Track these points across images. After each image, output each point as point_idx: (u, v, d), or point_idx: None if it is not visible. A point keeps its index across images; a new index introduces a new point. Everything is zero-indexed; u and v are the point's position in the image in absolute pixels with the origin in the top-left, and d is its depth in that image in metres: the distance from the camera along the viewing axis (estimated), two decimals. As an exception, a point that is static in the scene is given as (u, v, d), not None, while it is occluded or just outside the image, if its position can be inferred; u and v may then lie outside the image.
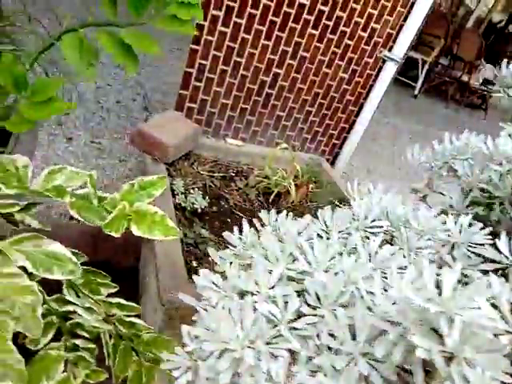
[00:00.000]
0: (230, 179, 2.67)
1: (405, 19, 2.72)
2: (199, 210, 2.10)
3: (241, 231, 0.96)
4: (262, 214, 0.96)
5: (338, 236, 0.86)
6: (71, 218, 2.35)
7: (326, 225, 0.92)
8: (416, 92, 7.12)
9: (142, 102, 4.60)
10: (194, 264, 1.83)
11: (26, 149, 1.54)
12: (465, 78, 7.35)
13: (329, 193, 2.70)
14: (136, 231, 0.87)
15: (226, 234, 0.96)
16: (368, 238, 0.85)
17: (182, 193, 2.12)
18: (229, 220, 2.32)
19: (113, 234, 0.84)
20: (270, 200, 2.59)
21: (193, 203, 2.06)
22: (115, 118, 4.18)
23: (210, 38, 2.35)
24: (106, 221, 0.89)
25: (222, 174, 2.65)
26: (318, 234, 0.85)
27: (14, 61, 1.12)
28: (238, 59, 2.49)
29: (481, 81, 7.36)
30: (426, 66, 7.03)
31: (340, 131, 3.13)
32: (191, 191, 2.20)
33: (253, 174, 2.72)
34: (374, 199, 0.94)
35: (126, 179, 3.70)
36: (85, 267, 1.12)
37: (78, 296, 1.05)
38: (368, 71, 2.87)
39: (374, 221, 0.88)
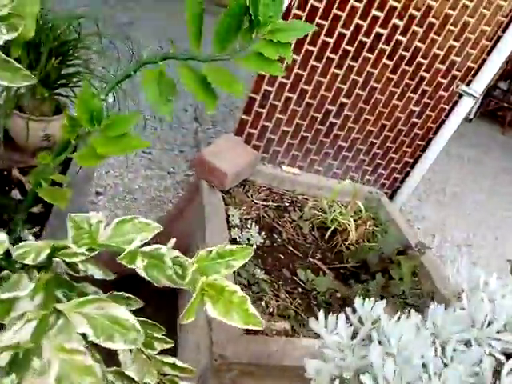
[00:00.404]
0: (284, 209, 2.55)
1: (488, 53, 2.50)
2: (254, 247, 1.98)
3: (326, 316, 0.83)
4: (357, 302, 0.82)
5: (454, 347, 0.70)
6: None
7: (433, 324, 0.77)
8: (471, 116, 6.73)
9: (193, 113, 4.59)
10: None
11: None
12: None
13: (389, 235, 2.50)
14: (211, 310, 0.75)
15: (311, 321, 0.83)
16: (494, 356, 0.69)
17: (237, 226, 2.01)
18: (282, 256, 2.19)
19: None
20: (326, 237, 2.44)
21: (248, 239, 1.95)
22: (167, 129, 4.19)
23: (278, 64, 2.25)
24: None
25: (276, 204, 2.53)
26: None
27: (93, 95, 1.06)
28: (305, 87, 2.38)
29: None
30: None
31: (403, 165, 2.93)
32: (247, 225, 2.09)
33: (307, 206, 2.58)
34: (496, 296, 0.78)
35: (173, 192, 3.67)
36: (141, 318, 1.02)
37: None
38: (441, 105, 2.67)
39: (499, 332, 0.71)
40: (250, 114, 2.41)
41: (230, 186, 2.22)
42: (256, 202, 2.43)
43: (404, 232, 2.55)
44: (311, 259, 2.28)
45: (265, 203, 2.47)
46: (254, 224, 2.10)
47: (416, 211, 4.19)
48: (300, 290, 2.03)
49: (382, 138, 2.74)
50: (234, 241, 1.96)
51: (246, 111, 2.40)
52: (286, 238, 2.35)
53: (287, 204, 2.61)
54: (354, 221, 2.52)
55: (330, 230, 2.44)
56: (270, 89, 2.33)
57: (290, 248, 2.29)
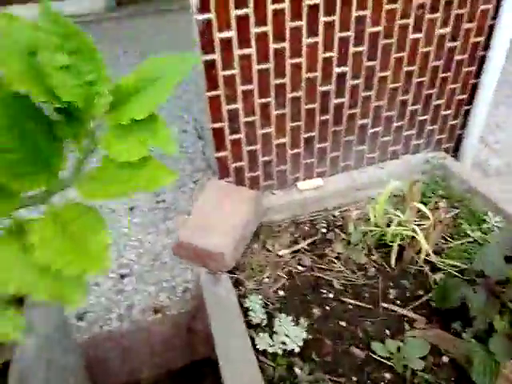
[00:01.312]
0: (323, 242, 1.87)
1: None
2: (296, 350, 1.35)
3: None
4: None
5: None
6: (155, 311, 1.83)
7: None
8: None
9: (194, 132, 3.85)
10: None
11: None
12: None
13: (472, 214, 1.73)
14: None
15: None
16: None
17: (263, 324, 1.39)
18: (343, 324, 1.54)
19: None
20: (393, 261, 1.73)
21: (283, 343, 1.32)
22: (169, 161, 3.44)
23: (228, 72, 1.53)
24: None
25: (310, 240, 1.85)
26: None
27: None
28: (280, 80, 1.63)
29: None
30: None
31: (457, 106, 2.08)
32: (276, 313, 1.46)
33: (351, 222, 1.87)
34: None
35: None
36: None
37: None
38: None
39: None
40: (225, 148, 1.73)
41: (233, 261, 1.59)
42: (280, 254, 1.78)
43: (485, 193, 1.76)
44: (385, 305, 1.61)
45: (294, 248, 1.81)
46: (286, 308, 1.46)
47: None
48: (388, 376, 1.38)
49: (413, 88, 1.92)
50: (263, 353, 1.34)
51: (217, 147, 1.72)
52: (340, 287, 1.68)
53: (324, 231, 1.92)
54: (420, 221, 1.78)
55: (394, 251, 1.72)
56: (234, 106, 1.63)
57: (350, 301, 1.63)
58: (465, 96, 2.05)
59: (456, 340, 1.40)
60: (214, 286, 1.52)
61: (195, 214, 1.63)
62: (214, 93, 1.57)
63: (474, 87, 2.03)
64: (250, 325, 1.45)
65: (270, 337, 1.37)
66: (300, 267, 1.75)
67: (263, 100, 1.66)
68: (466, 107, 2.10)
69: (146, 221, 2.55)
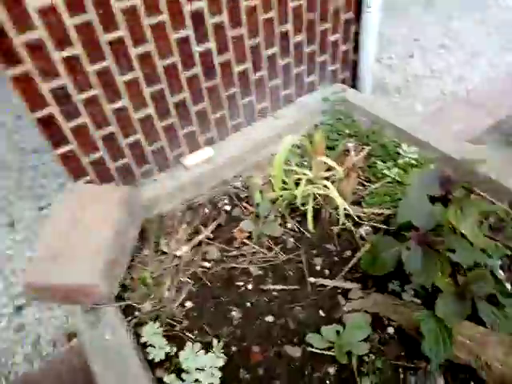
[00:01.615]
0: (229, 224, 1.54)
1: None
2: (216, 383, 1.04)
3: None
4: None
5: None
6: (69, 337, 1.46)
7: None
8: None
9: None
10: None
11: None
12: None
13: (385, 149, 1.51)
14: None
15: None
16: None
17: (171, 355, 1.05)
18: (270, 319, 1.26)
19: None
20: (310, 225, 1.46)
21: (197, 380, 1.00)
22: None
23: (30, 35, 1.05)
24: None
25: (212, 226, 1.52)
26: None
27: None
28: (114, 35, 1.19)
29: None
30: None
31: (345, 28, 1.79)
32: (186, 333, 1.12)
33: (256, 190, 1.55)
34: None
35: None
36: None
37: None
38: None
39: None
40: (65, 140, 1.27)
41: (113, 287, 1.21)
42: (179, 254, 1.42)
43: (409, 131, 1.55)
44: (312, 280, 1.35)
45: (195, 241, 1.46)
46: (197, 321, 1.13)
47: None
48: (332, 370, 1.14)
49: (291, 27, 1.57)
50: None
51: (54, 142, 1.26)
52: (259, 273, 1.39)
53: (227, 209, 1.59)
54: (332, 172, 1.52)
55: (309, 214, 1.45)
56: (58, 82, 1.16)
57: (272, 287, 1.35)
58: (351, 14, 1.76)
59: (398, 305, 1.19)
60: (92, 327, 1.13)
61: (45, 238, 1.20)
62: (20, 69, 1.08)
63: (359, 2, 1.75)
64: (154, 363, 1.11)
65: (179, 377, 1.04)
66: (206, 263, 1.42)
67: (98, 65, 1.21)
68: (355, 27, 1.82)
69: (30, 235, 2.03)
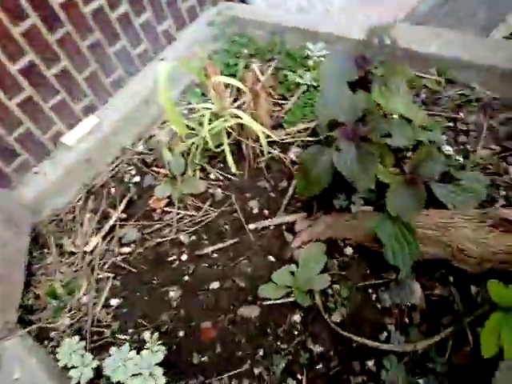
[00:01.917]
0: (142, 196, 1.29)
1: None
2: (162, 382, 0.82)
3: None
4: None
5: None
6: None
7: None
8: None
9: None
10: None
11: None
12: None
13: (291, 57, 1.29)
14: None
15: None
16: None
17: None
18: (216, 285, 1.05)
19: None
20: (233, 167, 1.24)
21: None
22: None
23: None
24: None
25: (122, 205, 1.26)
26: None
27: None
28: None
29: None
30: None
31: None
32: (118, 335, 0.89)
33: (164, 148, 1.30)
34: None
35: None
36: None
37: None
38: None
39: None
40: None
41: (11, 313, 0.94)
42: (89, 249, 1.16)
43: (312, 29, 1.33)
44: (253, 227, 1.15)
45: (105, 228, 1.20)
46: (129, 316, 0.90)
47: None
48: (297, 318, 0.95)
49: None
50: None
51: None
52: (192, 239, 1.17)
53: (137, 180, 1.33)
54: (240, 100, 1.28)
55: (227, 154, 1.23)
56: None
57: (210, 249, 1.14)
58: None
59: (350, 220, 1.01)
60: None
61: None
62: None
63: None
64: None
65: (111, 395, 0.82)
66: (125, 248, 1.17)
67: None
68: None
69: None
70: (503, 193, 0.94)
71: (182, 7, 1.51)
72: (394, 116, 1.00)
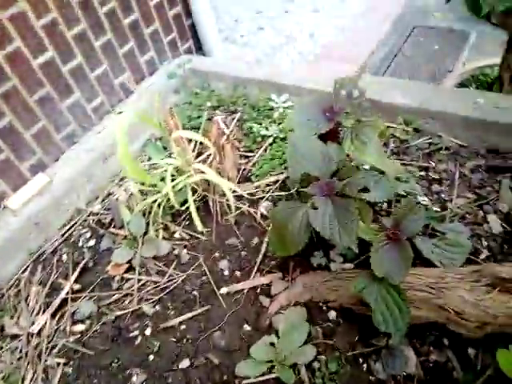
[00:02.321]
0: (99, 262, 1.16)
1: None
2: None
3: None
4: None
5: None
6: None
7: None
8: None
9: None
10: None
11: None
12: None
13: (254, 108, 1.26)
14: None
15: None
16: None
17: None
18: (186, 363, 0.92)
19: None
20: (199, 225, 1.15)
21: None
22: None
23: None
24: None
25: (74, 276, 1.11)
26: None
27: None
28: None
29: None
30: None
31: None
32: None
33: (122, 208, 1.19)
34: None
35: None
36: None
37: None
38: None
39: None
40: None
41: None
42: (35, 330, 1.00)
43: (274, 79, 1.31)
44: (224, 291, 1.04)
45: (53, 307, 1.05)
46: None
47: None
48: None
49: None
50: None
51: None
52: (156, 310, 1.04)
53: (91, 244, 1.20)
54: (205, 153, 1.22)
55: (193, 211, 1.14)
56: None
57: (177, 320, 1.01)
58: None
59: (330, 281, 0.93)
60: None
61: None
62: None
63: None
64: None
65: None
66: (79, 326, 1.02)
67: None
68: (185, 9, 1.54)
69: None
70: (485, 243, 0.91)
71: (140, 60, 1.46)
72: (366, 167, 0.97)
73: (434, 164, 1.09)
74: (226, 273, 1.08)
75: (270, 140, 1.26)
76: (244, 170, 1.26)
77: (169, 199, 1.14)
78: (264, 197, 1.19)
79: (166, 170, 1.09)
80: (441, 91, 1.17)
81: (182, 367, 0.93)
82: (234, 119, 1.38)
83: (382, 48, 2.34)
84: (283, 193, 1.17)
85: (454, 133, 1.12)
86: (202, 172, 1.11)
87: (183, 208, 1.16)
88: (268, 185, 1.21)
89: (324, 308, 0.93)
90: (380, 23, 2.45)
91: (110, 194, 1.30)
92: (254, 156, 1.27)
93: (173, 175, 1.13)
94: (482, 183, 1.02)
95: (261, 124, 1.31)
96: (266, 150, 1.27)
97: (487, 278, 0.66)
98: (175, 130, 1.07)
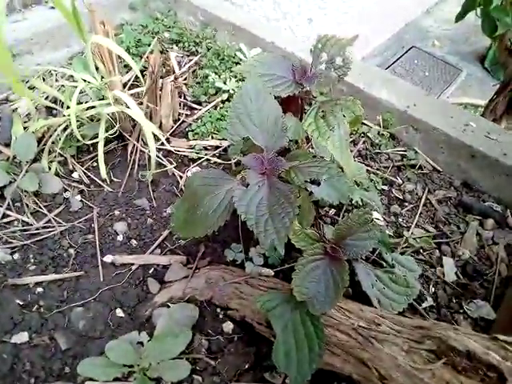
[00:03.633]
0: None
1: None
2: None
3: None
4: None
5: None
6: None
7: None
8: None
9: None
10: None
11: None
12: None
13: (219, 55, 1.02)
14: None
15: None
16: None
17: None
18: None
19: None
20: (104, 172, 0.89)
21: None
22: None
23: None
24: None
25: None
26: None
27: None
28: None
29: None
30: None
31: None
32: None
33: (16, 120, 0.91)
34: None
35: None
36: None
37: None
38: None
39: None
40: None
41: None
42: None
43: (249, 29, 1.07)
44: (110, 258, 0.81)
45: None
46: None
47: None
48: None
49: None
50: None
51: None
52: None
53: None
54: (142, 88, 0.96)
55: (100, 153, 0.88)
56: None
57: (36, 280, 0.76)
58: None
59: (240, 284, 0.72)
60: None
61: None
62: None
63: None
64: None
65: None
66: None
67: None
68: None
69: None
70: (432, 289, 0.74)
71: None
72: (323, 155, 0.77)
73: (401, 181, 0.92)
74: (120, 238, 0.85)
75: (225, 96, 1.02)
76: (183, 122, 1.02)
77: (78, 126, 0.88)
78: (197, 160, 0.96)
79: (76, 87, 0.82)
80: (433, 101, 0.99)
81: (15, 341, 0.69)
82: (191, 61, 1.12)
83: (374, 57, 2.17)
84: (221, 161, 0.95)
85: (434, 152, 0.95)
86: (126, 106, 0.85)
87: (91, 142, 0.91)
88: (206, 148, 0.97)
89: (221, 316, 0.72)
90: (380, 33, 2.27)
91: (6, 100, 1.01)
92: (200, 110, 1.03)
93: (87, 97, 0.87)
94: (448, 219, 0.86)
95: (219, 76, 1.06)
96: (216, 107, 1.03)
97: (433, 342, 0.48)
98: (103, 40, 0.80)
